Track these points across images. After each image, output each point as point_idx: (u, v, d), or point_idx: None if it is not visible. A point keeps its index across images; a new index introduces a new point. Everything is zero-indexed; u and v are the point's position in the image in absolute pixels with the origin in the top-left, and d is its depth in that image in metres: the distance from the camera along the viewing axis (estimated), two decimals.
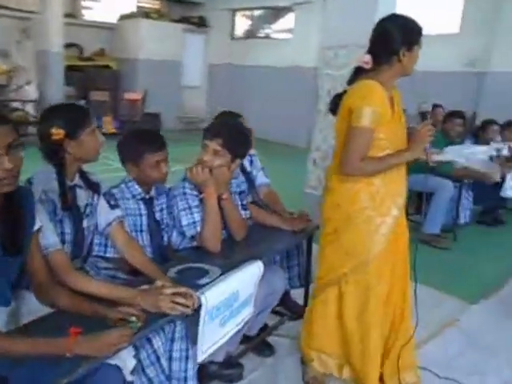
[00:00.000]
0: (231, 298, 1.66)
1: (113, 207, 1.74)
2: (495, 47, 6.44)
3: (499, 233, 4.45)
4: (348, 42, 3.61)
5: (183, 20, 10.18)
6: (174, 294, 1.45)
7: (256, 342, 2.25)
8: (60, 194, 1.58)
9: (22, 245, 1.33)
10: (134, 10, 9.95)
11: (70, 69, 8.66)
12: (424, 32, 1.83)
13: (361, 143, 1.75)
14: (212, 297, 1.54)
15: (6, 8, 7.85)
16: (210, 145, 1.96)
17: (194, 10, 10.48)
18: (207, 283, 1.62)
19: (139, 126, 8.21)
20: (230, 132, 1.99)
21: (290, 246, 2.39)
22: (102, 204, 1.73)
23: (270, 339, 2.34)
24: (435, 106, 5.21)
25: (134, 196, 1.91)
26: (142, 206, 1.92)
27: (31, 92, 8.01)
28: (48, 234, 1.46)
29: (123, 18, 9.71)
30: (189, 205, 1.97)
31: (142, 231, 1.92)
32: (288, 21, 9.36)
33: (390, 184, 1.83)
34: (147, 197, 1.94)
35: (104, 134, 1.79)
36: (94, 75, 9.11)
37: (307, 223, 2.30)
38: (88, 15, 9.80)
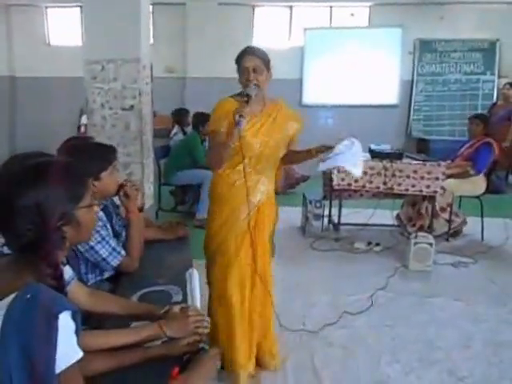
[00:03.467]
0: None
1: (64, 264, 1.56)
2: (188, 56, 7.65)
3: None
4: (114, 56, 3.74)
5: None
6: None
7: None
8: None
9: None
10: None
11: None
12: None
13: None
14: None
15: None
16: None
17: None
18: (183, 301, 1.72)
19: None
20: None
21: None
22: None
23: None
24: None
25: None
26: None
27: None
28: None
29: None
30: (102, 236, 1.91)
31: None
32: None
33: None
34: None
35: None
36: None
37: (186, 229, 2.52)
38: None
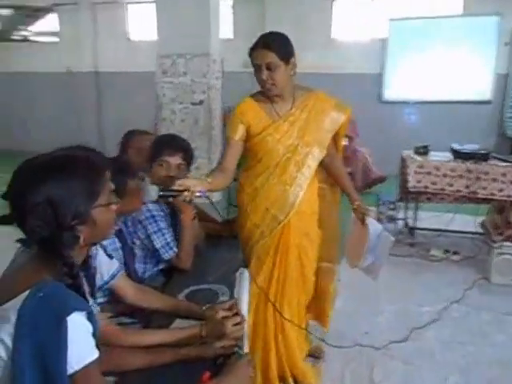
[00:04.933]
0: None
1: (111, 257, 1.58)
2: None
3: None
4: (185, 50, 3.79)
5: None
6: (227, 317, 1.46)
7: None
8: None
9: None
10: None
11: None
12: None
13: None
14: (244, 312, 1.61)
15: None
16: (171, 160, 1.95)
17: None
18: (227, 301, 1.67)
19: None
20: (187, 145, 2.02)
21: None
22: (101, 254, 1.55)
23: None
24: None
25: None
26: (116, 240, 1.81)
27: None
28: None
29: None
30: (159, 227, 1.93)
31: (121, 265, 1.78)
32: (50, 23, 8.58)
33: None
34: (118, 228, 1.82)
35: None
36: None
37: None
38: None
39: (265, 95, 1.87)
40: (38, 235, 0.94)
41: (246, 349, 1.37)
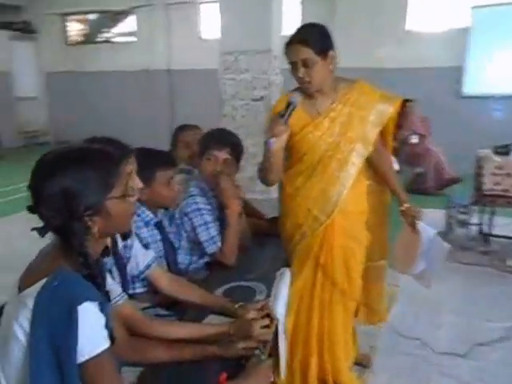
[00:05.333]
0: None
1: (146, 247, 1.61)
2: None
3: None
4: (246, 47, 3.78)
5: (4, 26, 8.98)
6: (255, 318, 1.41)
7: None
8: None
9: None
10: None
11: None
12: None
13: None
14: (280, 312, 1.56)
15: None
16: (219, 155, 1.94)
17: (15, 15, 9.33)
18: (264, 300, 1.62)
19: None
20: (236, 140, 2.02)
21: None
22: (137, 245, 1.58)
23: None
24: None
25: (147, 223, 1.79)
26: (156, 231, 1.83)
27: None
28: (113, 284, 1.30)
29: None
30: (205, 220, 1.94)
31: (161, 257, 1.83)
32: (129, 24, 9.06)
33: None
34: (158, 220, 1.84)
35: None
36: None
37: None
38: None
39: (304, 91, 1.78)
40: (52, 224, 0.96)
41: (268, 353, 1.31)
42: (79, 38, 9.62)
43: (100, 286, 1.00)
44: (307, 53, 1.65)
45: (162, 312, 1.66)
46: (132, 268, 1.57)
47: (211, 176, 1.98)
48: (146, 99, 8.58)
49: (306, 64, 1.67)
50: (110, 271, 1.46)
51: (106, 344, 0.95)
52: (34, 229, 0.96)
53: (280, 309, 1.53)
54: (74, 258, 0.97)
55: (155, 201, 1.78)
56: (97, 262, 1.06)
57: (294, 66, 1.71)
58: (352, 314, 2.03)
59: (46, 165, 0.99)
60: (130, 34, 9.03)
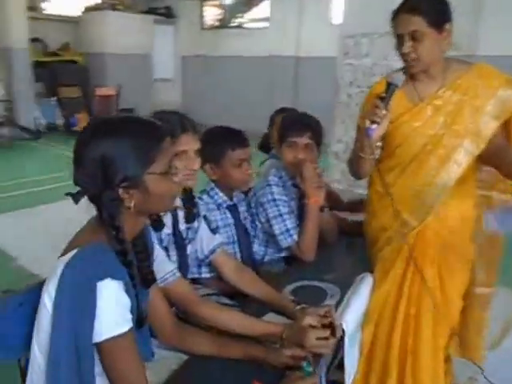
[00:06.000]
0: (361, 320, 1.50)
1: (214, 232, 1.55)
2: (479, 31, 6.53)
3: None
4: (369, 29, 3.49)
5: (150, 11, 9.78)
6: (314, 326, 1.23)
7: None
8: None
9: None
10: (99, 1, 9.42)
11: (35, 65, 8.11)
12: None
13: None
14: (351, 321, 1.37)
15: None
16: (299, 141, 1.81)
17: (159, 1, 10.07)
18: (329, 305, 1.45)
19: None
20: (316, 123, 1.87)
21: None
22: (204, 228, 1.54)
23: None
24: None
25: (219, 205, 1.74)
26: (229, 215, 1.76)
27: None
28: (165, 262, 1.25)
29: (88, 10, 9.18)
30: (280, 212, 1.82)
31: (233, 242, 1.77)
32: (263, 9, 9.16)
33: None
34: (231, 204, 1.77)
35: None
36: (62, 71, 8.57)
37: None
38: (48, 8, 9.20)
39: (407, 72, 1.50)
40: (87, 191, 0.94)
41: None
42: (214, 23, 10.04)
43: (131, 264, 0.95)
44: (417, 23, 1.38)
45: (225, 300, 1.58)
46: (195, 251, 1.53)
47: (292, 164, 1.83)
48: (269, 85, 8.60)
49: (414, 37, 1.39)
50: (167, 249, 1.42)
51: (126, 327, 0.90)
52: (67, 194, 0.94)
53: (350, 318, 1.35)
54: (109, 231, 0.93)
55: (226, 181, 1.72)
56: (135, 241, 1.01)
57: (400, 40, 1.44)
58: (445, 338, 1.74)
59: (89, 130, 0.96)
60: (263, 19, 9.13)
